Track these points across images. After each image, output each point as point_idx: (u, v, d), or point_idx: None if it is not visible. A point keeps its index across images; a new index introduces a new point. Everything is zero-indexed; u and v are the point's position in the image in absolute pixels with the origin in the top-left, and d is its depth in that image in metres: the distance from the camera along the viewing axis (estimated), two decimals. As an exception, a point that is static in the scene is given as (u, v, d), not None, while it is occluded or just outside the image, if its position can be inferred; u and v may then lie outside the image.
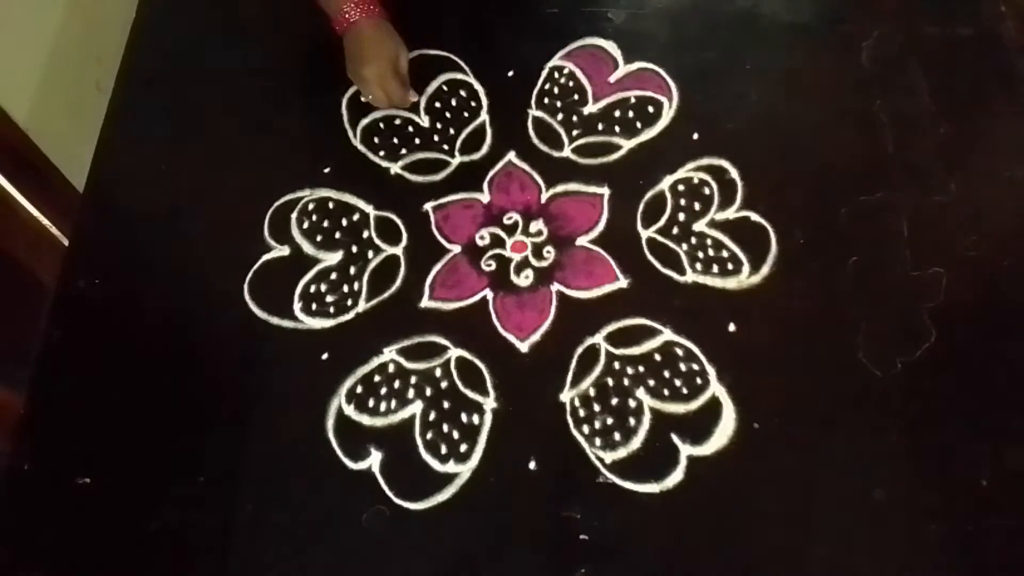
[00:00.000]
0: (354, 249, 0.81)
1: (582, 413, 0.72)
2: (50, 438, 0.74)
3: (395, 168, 0.86)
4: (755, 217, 0.81)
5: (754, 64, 0.90)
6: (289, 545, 0.69)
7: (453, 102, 0.89)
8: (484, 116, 0.88)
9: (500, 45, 0.94)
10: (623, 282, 0.79)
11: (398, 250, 0.81)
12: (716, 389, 0.73)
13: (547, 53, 0.92)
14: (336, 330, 0.77)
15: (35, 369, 0.77)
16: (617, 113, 0.88)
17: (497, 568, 0.68)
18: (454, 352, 0.76)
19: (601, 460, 0.71)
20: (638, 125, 0.87)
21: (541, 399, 0.73)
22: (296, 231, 0.83)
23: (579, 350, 0.75)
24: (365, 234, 0.82)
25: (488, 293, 0.79)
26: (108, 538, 0.71)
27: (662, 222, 0.81)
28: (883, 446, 0.71)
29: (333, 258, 0.81)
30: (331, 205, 0.84)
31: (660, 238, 0.81)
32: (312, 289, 0.80)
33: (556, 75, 0.90)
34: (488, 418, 0.73)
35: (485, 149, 0.87)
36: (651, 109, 0.87)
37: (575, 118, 0.88)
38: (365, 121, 0.89)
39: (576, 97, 0.89)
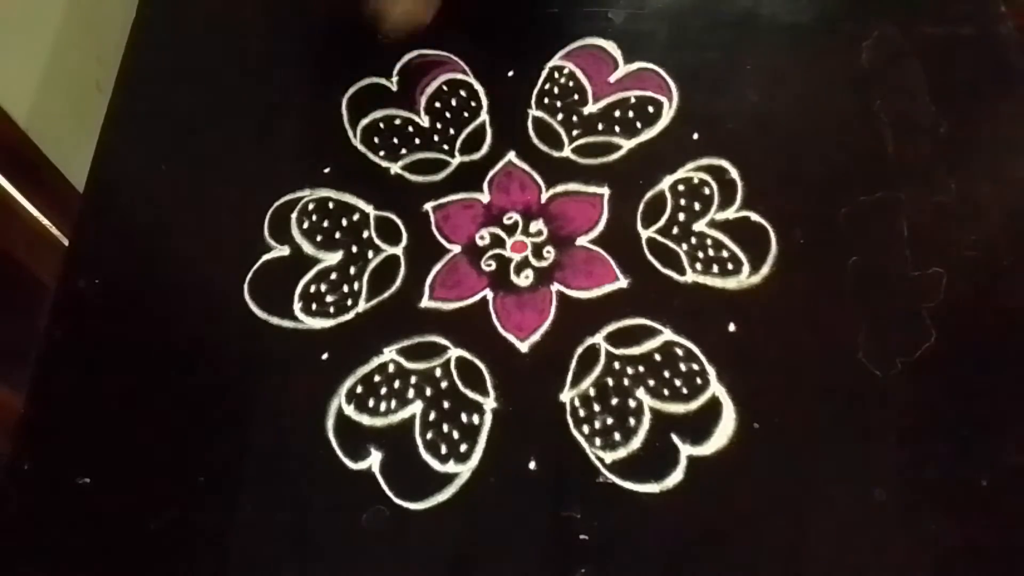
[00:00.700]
0: (354, 249, 0.82)
1: (582, 413, 0.72)
2: (50, 438, 0.74)
3: (395, 168, 0.86)
4: (755, 217, 0.81)
5: (754, 64, 0.90)
6: (289, 545, 0.69)
7: (453, 102, 0.89)
8: (484, 116, 0.88)
9: (500, 45, 0.94)
10: (623, 282, 0.79)
11: (398, 250, 0.81)
12: (716, 389, 0.73)
13: (547, 53, 0.92)
14: (336, 330, 0.77)
15: (35, 369, 0.77)
16: (617, 113, 0.88)
17: (497, 568, 0.68)
18: (454, 352, 0.76)
19: (601, 460, 0.71)
20: (638, 125, 0.87)
21: (541, 399, 0.73)
22: (296, 231, 0.83)
23: (579, 350, 0.75)
24: (365, 234, 0.82)
25: (488, 293, 0.79)
26: (108, 538, 0.71)
27: (662, 222, 0.81)
28: (883, 446, 0.71)
29: (333, 258, 0.81)
30: (331, 205, 0.84)
31: (660, 238, 0.81)
32: (312, 289, 0.80)
33: (556, 75, 0.90)
34: (488, 418, 0.73)
35: (485, 149, 0.87)
36: (651, 109, 0.87)
37: (575, 118, 0.88)
38: (365, 121, 0.89)
39: (576, 97, 0.89)
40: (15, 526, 0.71)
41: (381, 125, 0.89)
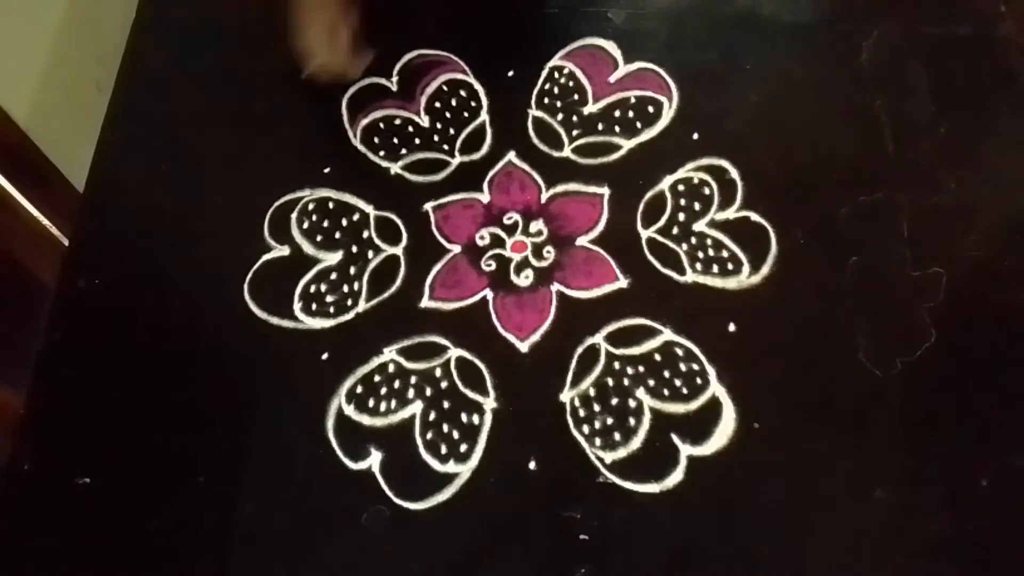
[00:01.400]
0: (354, 249, 0.82)
1: (582, 413, 0.72)
2: (50, 438, 0.74)
3: (395, 168, 0.86)
4: (755, 217, 0.81)
5: (754, 64, 0.90)
6: (289, 545, 0.69)
7: (453, 102, 0.89)
8: (484, 116, 0.88)
9: (500, 45, 0.94)
10: (623, 282, 0.79)
11: (398, 250, 0.81)
12: (716, 389, 0.73)
13: (547, 53, 0.92)
14: (336, 330, 0.77)
15: (35, 369, 0.77)
16: (617, 113, 0.88)
17: (497, 568, 0.68)
18: (454, 352, 0.76)
19: (601, 460, 0.71)
20: (638, 125, 0.87)
21: (541, 399, 0.73)
22: (296, 231, 0.83)
23: (579, 350, 0.75)
24: (365, 234, 0.82)
25: (488, 293, 0.79)
26: (108, 538, 0.71)
27: (662, 222, 0.81)
28: (883, 446, 0.71)
29: (333, 258, 0.81)
30: (331, 205, 0.84)
31: (660, 238, 0.81)
32: (312, 289, 0.80)
33: (556, 75, 0.90)
34: (488, 418, 0.73)
35: (485, 149, 0.87)
36: (651, 109, 0.87)
37: (575, 118, 0.88)
38: (365, 121, 0.89)
39: (576, 97, 0.89)
40: (15, 526, 0.71)
41: (381, 125, 0.89)
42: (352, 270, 0.80)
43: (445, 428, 0.72)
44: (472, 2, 0.95)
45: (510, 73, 0.91)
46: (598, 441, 0.71)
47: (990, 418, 0.71)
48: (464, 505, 0.69)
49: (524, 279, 0.79)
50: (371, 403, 0.74)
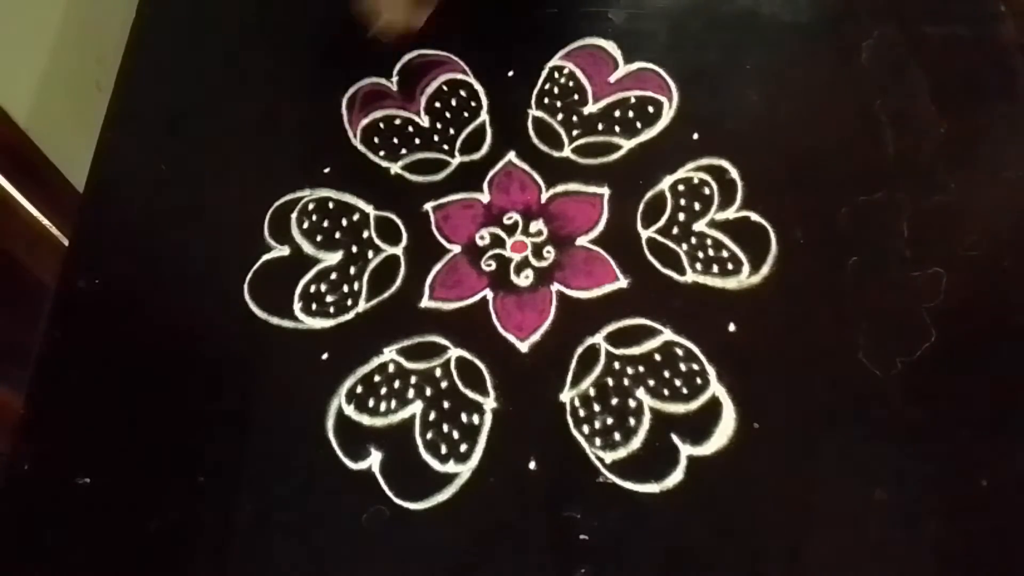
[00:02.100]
0: (354, 249, 0.82)
1: (582, 413, 0.72)
2: (50, 438, 0.74)
3: (395, 168, 0.86)
4: (755, 217, 0.81)
5: (754, 64, 0.90)
6: (289, 545, 0.69)
7: (453, 102, 0.89)
8: (484, 116, 0.88)
9: (500, 45, 0.93)
10: (623, 282, 0.79)
11: (398, 250, 0.81)
12: (716, 389, 0.73)
13: (547, 53, 0.92)
14: (336, 330, 0.77)
15: (35, 369, 0.77)
16: (617, 113, 0.88)
17: (497, 568, 0.68)
18: (454, 352, 0.76)
19: (601, 460, 0.71)
20: (638, 125, 0.87)
21: (541, 399, 0.73)
22: (296, 231, 0.83)
23: (579, 350, 0.75)
24: (365, 234, 0.82)
25: (488, 293, 0.79)
26: (108, 538, 0.71)
27: (662, 222, 0.81)
28: (883, 446, 0.71)
29: (333, 258, 0.81)
30: (331, 205, 0.84)
31: (660, 238, 0.81)
32: (312, 289, 0.80)
33: (556, 75, 0.90)
34: (488, 418, 0.73)
35: (485, 149, 0.87)
36: (651, 109, 0.87)
37: (575, 118, 0.88)
38: (365, 121, 0.89)
39: (576, 97, 0.89)
40: (15, 526, 0.71)
41: (381, 125, 0.89)
42: (352, 270, 0.80)
43: (445, 428, 0.72)
44: (472, 2, 0.95)
45: (510, 73, 0.91)
46: (598, 441, 0.71)
47: (990, 418, 0.71)
48: (464, 505, 0.69)
49: (524, 279, 0.79)
50: (371, 403, 0.74)
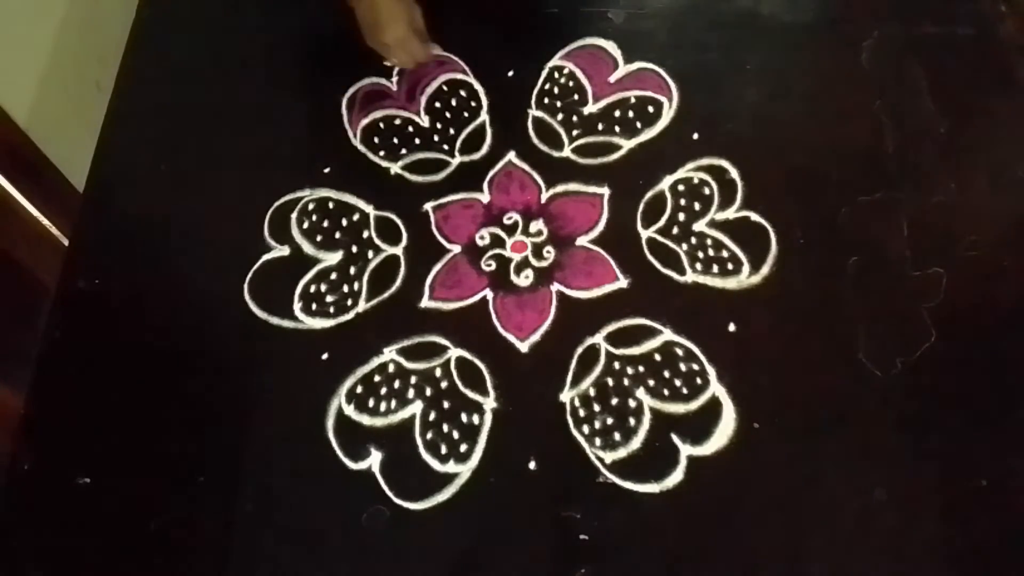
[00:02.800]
0: (354, 249, 0.82)
1: (582, 413, 0.72)
2: (50, 438, 0.74)
3: (395, 168, 0.86)
4: (755, 217, 0.81)
5: (754, 64, 0.90)
6: (289, 545, 0.69)
7: (453, 102, 0.89)
8: (484, 116, 0.88)
9: (500, 45, 0.93)
10: (623, 282, 0.79)
11: (398, 250, 0.81)
12: (716, 389, 0.73)
13: (547, 53, 0.92)
14: (336, 330, 0.77)
15: (35, 369, 0.77)
16: (617, 113, 0.88)
17: (497, 568, 0.68)
18: (454, 352, 0.76)
19: (601, 460, 0.71)
20: (638, 125, 0.87)
21: (541, 399, 0.73)
22: (296, 231, 0.83)
23: (579, 350, 0.75)
24: (365, 234, 0.82)
25: (488, 293, 0.79)
26: (108, 538, 0.71)
27: (662, 222, 0.81)
28: (883, 446, 0.71)
29: (333, 258, 0.81)
30: (331, 205, 0.84)
31: (660, 238, 0.81)
32: (312, 289, 0.80)
33: (556, 75, 0.90)
34: (488, 418, 0.73)
35: (485, 149, 0.87)
36: (651, 109, 0.87)
37: (575, 118, 0.88)
38: (365, 121, 0.89)
39: (576, 97, 0.89)
40: (15, 526, 0.71)
41: (381, 125, 0.89)
42: (352, 270, 0.80)
43: (445, 428, 0.72)
44: (472, 2, 0.95)
45: (510, 73, 0.91)
46: (598, 441, 0.71)
47: (990, 418, 0.71)
48: (464, 505, 0.69)
49: (524, 279, 0.79)
50: (371, 403, 0.74)
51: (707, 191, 0.82)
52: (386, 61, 0.89)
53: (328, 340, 0.77)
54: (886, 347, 0.74)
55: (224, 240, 0.83)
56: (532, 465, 0.71)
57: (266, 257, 0.82)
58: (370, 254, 0.81)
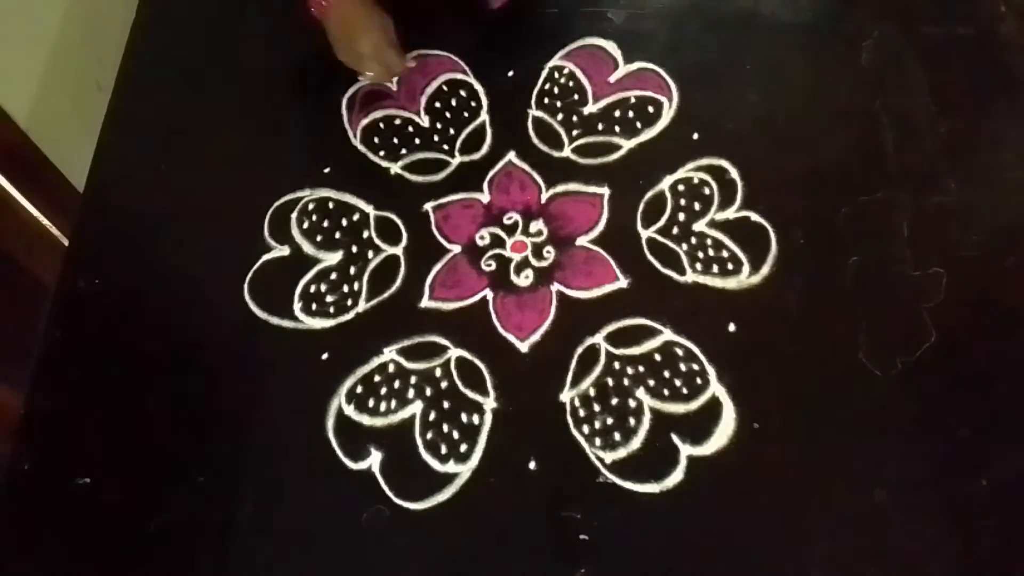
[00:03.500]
0: (354, 249, 0.82)
1: (582, 413, 0.72)
2: (50, 438, 0.74)
3: (395, 168, 0.86)
4: (755, 217, 0.81)
5: (754, 64, 0.90)
6: (289, 545, 0.69)
7: (453, 102, 0.89)
8: (484, 116, 0.88)
9: (500, 45, 0.94)
10: (623, 282, 0.79)
11: (398, 250, 0.81)
12: (716, 389, 0.73)
13: (547, 53, 0.92)
14: (336, 330, 0.77)
15: (35, 369, 0.77)
16: (617, 113, 0.88)
17: (497, 568, 0.68)
18: (454, 352, 0.76)
19: (601, 460, 0.71)
20: (638, 125, 0.87)
21: (541, 399, 0.73)
22: (296, 231, 0.83)
23: (579, 350, 0.75)
24: (365, 234, 0.82)
25: (488, 293, 0.79)
26: (108, 538, 0.71)
27: (662, 222, 0.81)
28: (883, 446, 0.71)
29: (333, 258, 0.81)
30: (331, 205, 0.84)
31: (660, 238, 0.81)
32: (312, 289, 0.80)
33: (556, 75, 0.90)
34: (488, 418, 0.73)
35: (485, 149, 0.87)
36: (651, 109, 0.87)
37: (575, 118, 0.88)
38: (365, 121, 0.89)
39: (576, 97, 0.89)
40: (15, 526, 0.71)
41: (381, 125, 0.89)
42: (352, 270, 0.80)
43: (445, 428, 0.72)
44: (472, 2, 0.95)
45: (510, 73, 0.91)
46: (598, 441, 0.71)
47: (990, 418, 0.71)
48: (464, 505, 0.69)
49: (524, 279, 0.79)
50: (371, 403, 0.74)
51: (707, 191, 0.83)
52: (360, 76, 0.88)
53: (328, 340, 0.77)
54: (886, 347, 0.74)
55: (224, 240, 0.83)
56: (532, 465, 0.71)
57: (266, 257, 0.82)
58: (370, 254, 0.81)
